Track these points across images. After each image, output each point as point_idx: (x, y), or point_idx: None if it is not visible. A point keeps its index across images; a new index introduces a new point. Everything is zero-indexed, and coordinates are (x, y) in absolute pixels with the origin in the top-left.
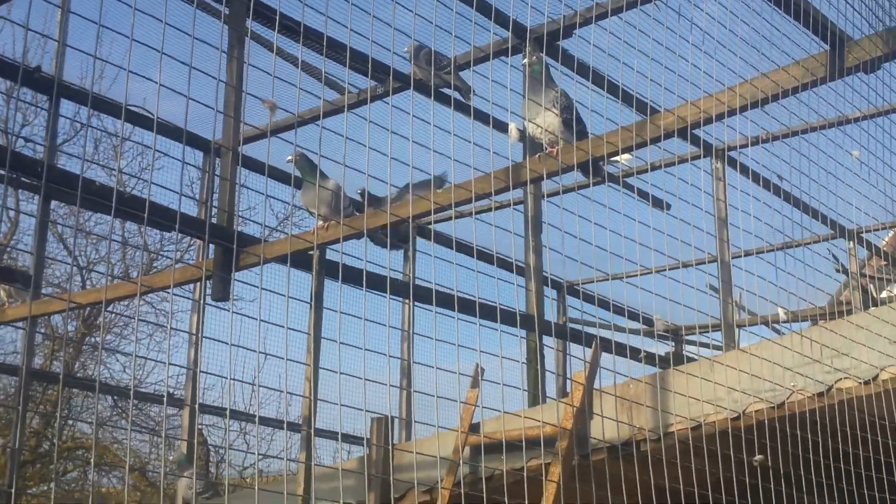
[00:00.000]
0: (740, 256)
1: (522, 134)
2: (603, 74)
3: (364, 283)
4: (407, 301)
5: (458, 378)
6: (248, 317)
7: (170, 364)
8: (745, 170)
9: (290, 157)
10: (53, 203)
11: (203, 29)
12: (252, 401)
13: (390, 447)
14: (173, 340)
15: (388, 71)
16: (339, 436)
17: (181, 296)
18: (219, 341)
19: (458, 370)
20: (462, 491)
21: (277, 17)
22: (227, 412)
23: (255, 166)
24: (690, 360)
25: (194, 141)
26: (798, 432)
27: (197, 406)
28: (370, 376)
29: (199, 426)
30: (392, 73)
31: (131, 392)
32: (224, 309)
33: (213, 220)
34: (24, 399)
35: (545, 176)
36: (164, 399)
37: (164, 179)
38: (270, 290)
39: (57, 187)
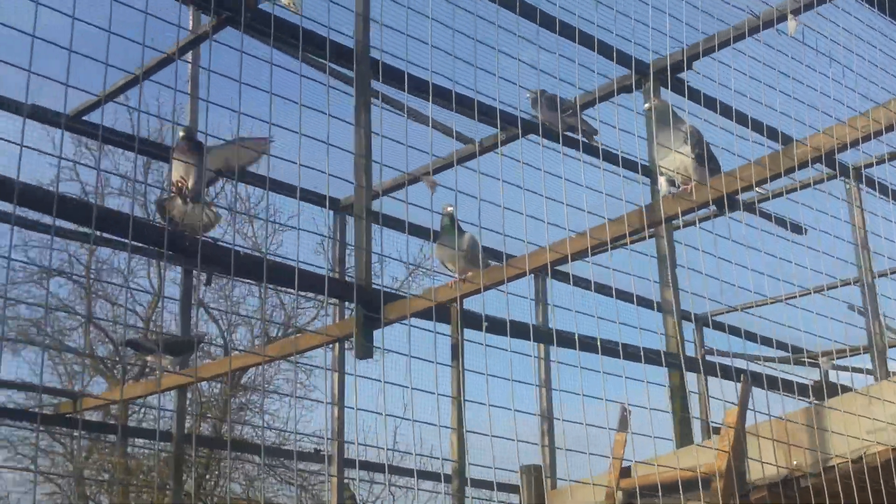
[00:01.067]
0: (884, 276)
1: (673, 183)
2: (727, 104)
3: (509, 333)
4: (542, 358)
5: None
6: (395, 385)
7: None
8: (882, 188)
9: (450, 208)
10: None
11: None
12: (393, 453)
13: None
14: (316, 396)
15: (511, 120)
16: (495, 484)
17: (310, 366)
18: (375, 412)
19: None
20: None
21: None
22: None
23: (385, 221)
24: (844, 389)
25: (323, 201)
26: None
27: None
28: (511, 423)
29: (346, 480)
30: (519, 124)
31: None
32: (371, 378)
33: (348, 279)
34: (180, 463)
35: (680, 214)
36: (327, 460)
37: (292, 240)
38: (419, 358)
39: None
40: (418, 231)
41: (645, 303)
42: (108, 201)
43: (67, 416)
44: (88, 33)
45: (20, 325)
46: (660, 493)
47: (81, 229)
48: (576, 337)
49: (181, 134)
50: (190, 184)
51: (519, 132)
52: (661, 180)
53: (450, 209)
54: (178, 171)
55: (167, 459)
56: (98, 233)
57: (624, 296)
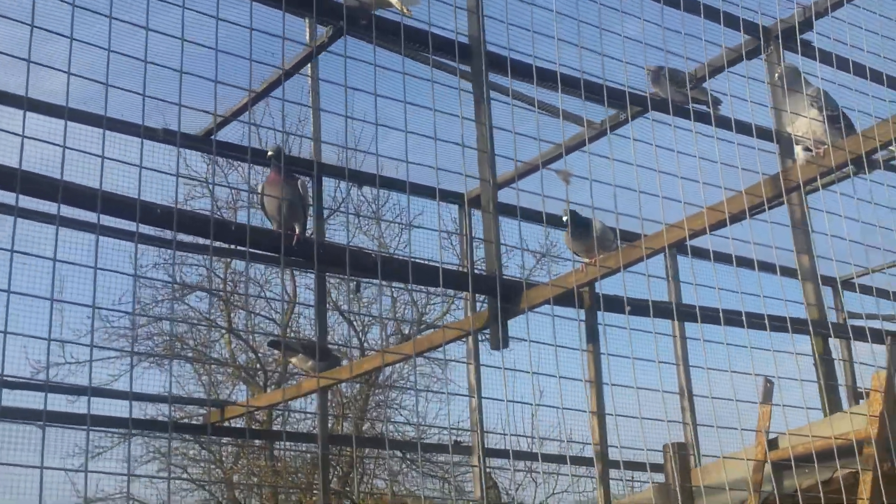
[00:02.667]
0: None
1: (808, 150)
2: (858, 63)
3: (627, 312)
4: (676, 337)
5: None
6: (541, 373)
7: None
8: None
9: (566, 213)
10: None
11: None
12: (533, 441)
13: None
14: (451, 389)
15: (629, 98)
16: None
17: (448, 360)
18: (524, 403)
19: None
20: None
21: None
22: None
23: (506, 210)
24: None
25: (446, 196)
26: None
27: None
28: (648, 401)
29: (488, 470)
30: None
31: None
32: (496, 367)
33: (477, 271)
34: (325, 463)
35: (801, 183)
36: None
37: (422, 237)
38: (553, 345)
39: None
40: (541, 218)
41: (775, 270)
42: (240, 215)
43: (216, 424)
44: (206, 55)
45: (165, 340)
46: (792, 464)
47: (216, 244)
48: (697, 310)
49: (269, 153)
50: (284, 213)
51: (629, 110)
52: (798, 149)
53: (566, 214)
54: (271, 205)
55: (313, 460)
56: (233, 246)
57: (749, 264)
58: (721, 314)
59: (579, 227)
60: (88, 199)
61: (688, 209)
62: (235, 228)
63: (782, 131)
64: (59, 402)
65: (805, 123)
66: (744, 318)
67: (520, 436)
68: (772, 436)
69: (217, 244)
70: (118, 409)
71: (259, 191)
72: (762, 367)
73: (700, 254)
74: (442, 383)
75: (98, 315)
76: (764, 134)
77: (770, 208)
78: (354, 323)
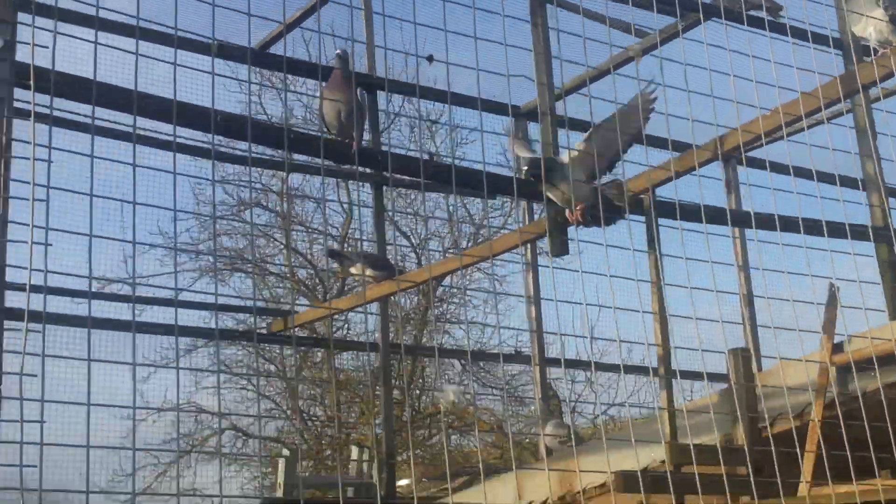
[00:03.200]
0: None
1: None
2: None
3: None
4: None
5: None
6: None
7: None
8: None
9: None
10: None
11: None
12: (593, 349)
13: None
14: (510, 301)
15: (690, 5)
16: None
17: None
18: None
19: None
20: (836, 412)
21: None
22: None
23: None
24: None
25: (499, 109)
26: None
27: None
28: (711, 309)
29: (548, 380)
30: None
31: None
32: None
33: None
34: (388, 372)
35: (878, 80)
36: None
37: (476, 151)
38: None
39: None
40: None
41: (845, 181)
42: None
43: (280, 333)
44: None
45: (227, 254)
46: (875, 365)
47: (275, 158)
48: (776, 218)
49: (337, 52)
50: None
51: (701, 13)
52: (871, 29)
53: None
54: (331, 109)
55: (374, 371)
56: (290, 157)
57: (822, 176)
58: (801, 222)
59: (552, 170)
60: (161, 107)
61: (757, 112)
62: (295, 137)
63: (847, 32)
64: (124, 313)
65: (870, 23)
66: (825, 224)
67: (578, 337)
68: (837, 339)
69: (278, 160)
70: (183, 319)
71: (320, 95)
72: (830, 273)
73: (758, 165)
74: (499, 296)
75: (159, 230)
76: (829, 41)
77: (834, 118)
78: (411, 237)
